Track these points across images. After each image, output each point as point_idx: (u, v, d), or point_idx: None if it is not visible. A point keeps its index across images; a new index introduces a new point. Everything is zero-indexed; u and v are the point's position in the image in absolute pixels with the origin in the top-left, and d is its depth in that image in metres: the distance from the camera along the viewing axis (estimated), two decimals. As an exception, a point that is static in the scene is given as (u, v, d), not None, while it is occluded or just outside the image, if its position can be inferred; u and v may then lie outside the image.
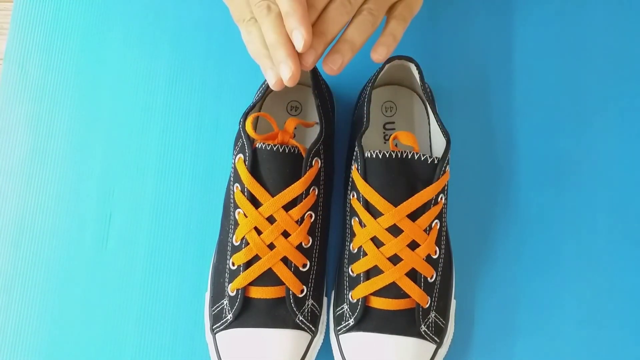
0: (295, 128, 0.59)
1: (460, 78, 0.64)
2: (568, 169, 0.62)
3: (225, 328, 0.52)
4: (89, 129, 0.63)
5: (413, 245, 0.50)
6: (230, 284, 0.51)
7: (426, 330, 0.51)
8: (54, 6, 0.66)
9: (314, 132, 0.60)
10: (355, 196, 0.52)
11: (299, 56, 0.44)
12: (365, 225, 0.51)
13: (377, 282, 0.50)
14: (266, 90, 0.56)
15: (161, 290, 0.59)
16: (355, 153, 0.51)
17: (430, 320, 0.52)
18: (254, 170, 0.51)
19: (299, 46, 0.43)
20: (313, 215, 0.52)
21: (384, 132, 0.61)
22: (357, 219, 0.52)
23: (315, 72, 0.57)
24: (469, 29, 0.65)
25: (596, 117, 0.63)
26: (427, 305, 0.51)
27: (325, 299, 0.55)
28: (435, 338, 0.52)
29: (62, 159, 0.62)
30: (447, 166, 0.51)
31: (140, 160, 0.62)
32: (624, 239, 0.60)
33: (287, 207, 0.51)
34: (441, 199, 0.51)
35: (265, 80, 0.56)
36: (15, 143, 0.63)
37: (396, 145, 0.56)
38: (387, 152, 0.49)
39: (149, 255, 0.60)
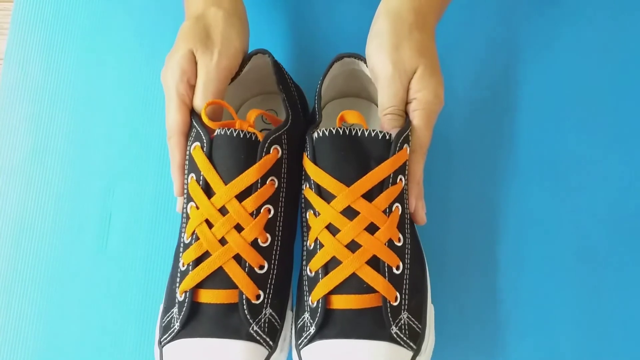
0: (268, 124, 0.58)
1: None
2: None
3: (172, 339, 0.47)
4: (89, 129, 0.63)
5: (372, 229, 0.46)
6: (179, 287, 0.47)
7: (398, 332, 0.46)
8: (54, 6, 0.67)
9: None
10: (308, 185, 0.49)
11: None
12: (319, 214, 0.47)
13: (337, 276, 0.46)
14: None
15: (161, 290, 0.56)
16: (305, 144, 0.49)
17: (402, 321, 0.46)
18: (210, 156, 0.48)
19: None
20: (272, 209, 0.48)
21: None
22: (311, 211, 0.48)
23: (278, 67, 0.55)
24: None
25: (581, 116, 0.64)
26: (397, 303, 0.46)
27: (289, 313, 0.50)
28: (411, 343, 0.46)
29: (62, 159, 0.62)
30: (406, 144, 0.48)
31: (141, 160, 0.62)
32: (612, 238, 0.60)
33: (241, 197, 0.47)
34: (400, 179, 0.48)
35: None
36: (15, 143, 0.63)
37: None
38: (334, 129, 0.47)
39: (148, 256, 0.59)
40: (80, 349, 0.57)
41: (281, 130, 0.49)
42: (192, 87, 0.51)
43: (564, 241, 0.60)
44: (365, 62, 0.53)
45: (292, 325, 0.50)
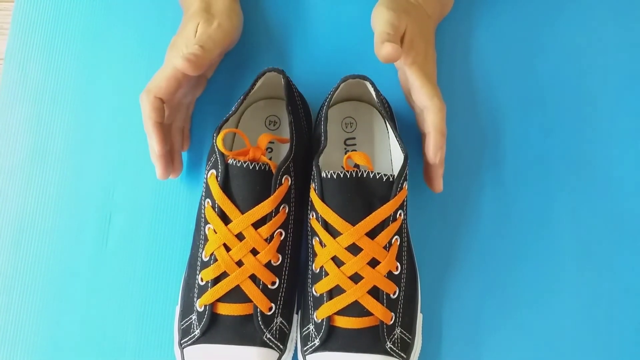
0: (272, 143, 0.61)
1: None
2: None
3: (193, 343, 0.53)
4: (89, 129, 0.65)
5: (373, 263, 0.52)
6: (199, 300, 0.53)
7: (392, 346, 0.53)
8: (55, 6, 0.68)
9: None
10: (314, 216, 0.53)
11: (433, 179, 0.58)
12: (325, 245, 0.52)
13: (340, 302, 0.52)
14: (242, 104, 0.58)
15: (161, 290, 0.60)
16: (312, 173, 0.53)
17: (395, 336, 0.53)
18: (225, 186, 0.52)
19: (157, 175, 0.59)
20: (283, 233, 0.54)
21: (345, 148, 0.62)
22: (317, 238, 0.54)
23: (289, 86, 0.58)
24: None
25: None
26: (392, 322, 0.53)
27: (296, 317, 0.57)
28: (402, 354, 0.53)
29: (62, 159, 0.64)
30: (405, 182, 0.53)
31: (141, 160, 0.63)
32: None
33: (257, 224, 0.52)
34: (400, 215, 0.53)
35: (243, 94, 0.58)
36: (15, 143, 0.64)
37: (356, 166, 0.58)
38: (341, 173, 0.51)
39: (149, 256, 0.61)
40: (80, 349, 0.59)
41: (288, 160, 0.53)
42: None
43: (561, 244, 0.61)
44: (370, 82, 0.57)
45: (297, 327, 0.56)
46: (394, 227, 0.52)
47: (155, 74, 0.57)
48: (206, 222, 0.53)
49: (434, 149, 0.55)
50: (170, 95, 0.56)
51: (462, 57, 0.67)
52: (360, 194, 0.51)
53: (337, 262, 0.52)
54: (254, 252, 0.52)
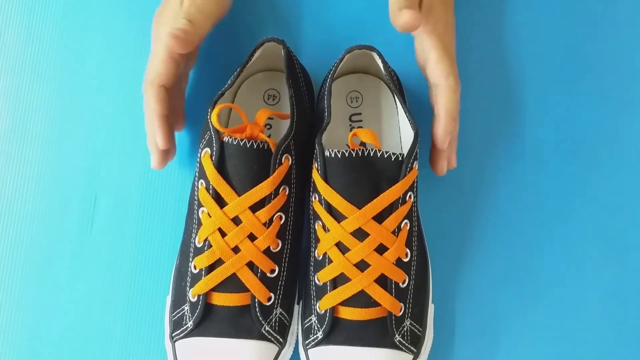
0: (271, 119, 0.60)
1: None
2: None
3: (186, 336, 0.52)
4: (72, 103, 0.63)
5: (381, 249, 0.51)
6: (191, 289, 0.52)
7: (401, 340, 0.52)
8: None
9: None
10: (317, 198, 0.52)
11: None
12: (328, 230, 0.51)
13: (345, 291, 0.51)
14: (238, 77, 0.57)
15: (151, 279, 0.59)
16: (315, 152, 0.52)
17: (405, 328, 0.52)
18: (220, 166, 0.51)
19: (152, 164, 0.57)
20: (283, 216, 0.53)
21: (350, 125, 0.61)
22: (320, 223, 0.53)
23: (289, 58, 0.57)
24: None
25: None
26: (401, 313, 0.52)
27: (297, 307, 0.56)
28: (412, 347, 0.52)
29: (44, 136, 0.62)
30: (416, 162, 0.52)
31: (128, 137, 0.62)
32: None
33: (255, 207, 0.51)
34: (410, 197, 0.52)
35: (240, 66, 0.57)
36: None
37: (362, 144, 0.57)
38: (346, 151, 0.50)
39: (137, 242, 0.60)
40: (63, 344, 0.57)
41: (289, 138, 0.53)
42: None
43: (585, 231, 0.60)
44: (379, 54, 0.56)
45: (298, 318, 0.55)
46: (403, 210, 0.51)
47: (150, 60, 0.55)
48: (200, 205, 0.52)
49: (443, 134, 0.55)
50: (172, 79, 0.54)
51: (481, 21, 0.65)
52: (366, 175, 0.50)
53: (342, 248, 0.51)
54: (252, 237, 0.51)
